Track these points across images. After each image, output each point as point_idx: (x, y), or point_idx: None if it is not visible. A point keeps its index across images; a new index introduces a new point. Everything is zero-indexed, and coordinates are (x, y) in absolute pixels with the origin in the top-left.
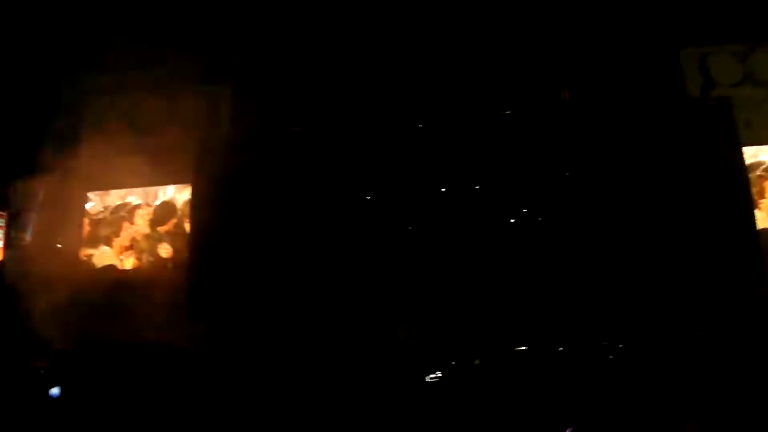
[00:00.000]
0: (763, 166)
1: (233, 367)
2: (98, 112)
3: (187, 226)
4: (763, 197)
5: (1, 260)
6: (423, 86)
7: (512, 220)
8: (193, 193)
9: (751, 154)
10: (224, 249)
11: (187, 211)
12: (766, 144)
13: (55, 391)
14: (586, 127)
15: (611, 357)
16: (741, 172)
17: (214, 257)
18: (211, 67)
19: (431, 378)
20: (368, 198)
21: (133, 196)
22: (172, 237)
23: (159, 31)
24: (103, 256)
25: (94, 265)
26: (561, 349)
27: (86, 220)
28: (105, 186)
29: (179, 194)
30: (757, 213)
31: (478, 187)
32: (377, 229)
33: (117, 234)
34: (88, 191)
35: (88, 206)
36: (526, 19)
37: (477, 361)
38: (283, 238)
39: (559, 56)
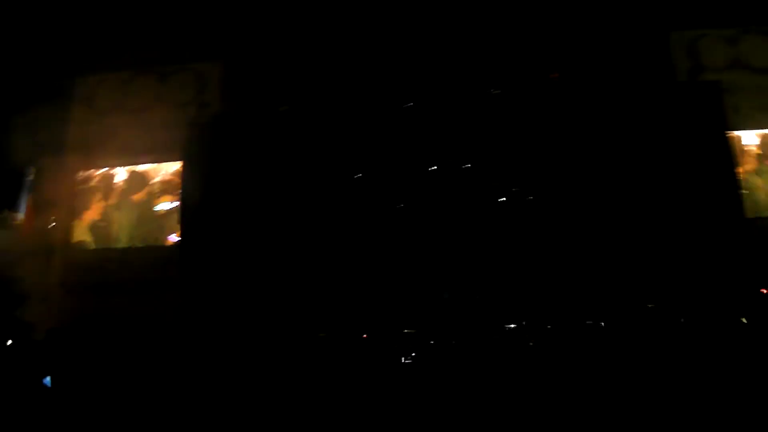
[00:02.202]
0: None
1: (223, 346)
2: (88, 91)
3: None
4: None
5: None
6: (412, 65)
7: (502, 199)
8: (184, 172)
9: (739, 138)
10: (215, 227)
11: (178, 189)
12: (753, 129)
13: (47, 379)
14: (575, 108)
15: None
16: (728, 157)
17: (205, 236)
18: (201, 44)
19: (407, 360)
20: (358, 176)
21: (125, 175)
22: (164, 216)
23: (148, 8)
24: (95, 233)
25: (86, 243)
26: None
27: (78, 198)
28: (96, 165)
29: (171, 172)
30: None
31: (468, 165)
32: (366, 208)
33: (109, 212)
34: (80, 170)
35: (79, 184)
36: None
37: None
38: (273, 217)
39: (549, 37)
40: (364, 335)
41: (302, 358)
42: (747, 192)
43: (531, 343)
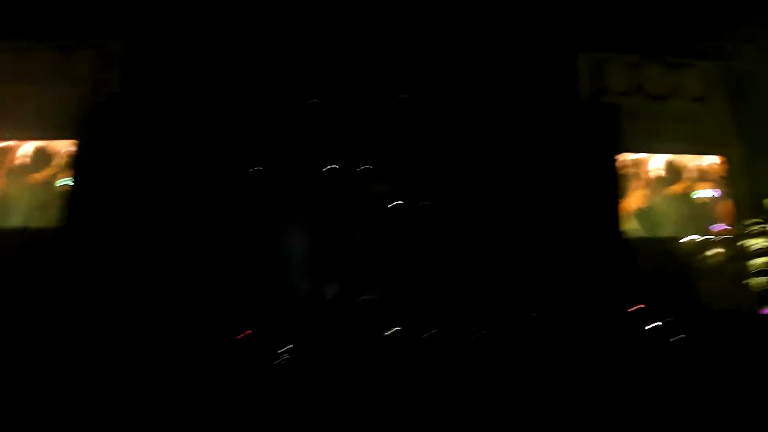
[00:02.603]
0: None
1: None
2: None
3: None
4: (640, 202)
5: None
6: (321, 62)
7: (400, 202)
8: (77, 152)
9: (632, 160)
10: (106, 210)
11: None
12: (648, 153)
13: None
14: (477, 118)
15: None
16: (618, 177)
17: (95, 219)
18: (106, 19)
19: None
20: (258, 168)
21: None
22: (53, 194)
23: None
24: None
25: None
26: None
27: None
28: None
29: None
30: (632, 216)
31: (370, 166)
32: (264, 200)
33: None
34: None
35: None
36: (431, 9)
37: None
38: (167, 203)
39: (459, 48)
40: (245, 332)
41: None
42: (635, 213)
43: (413, 349)
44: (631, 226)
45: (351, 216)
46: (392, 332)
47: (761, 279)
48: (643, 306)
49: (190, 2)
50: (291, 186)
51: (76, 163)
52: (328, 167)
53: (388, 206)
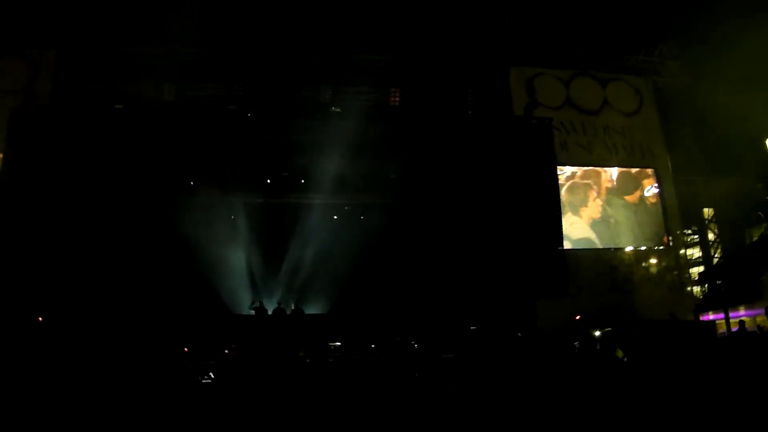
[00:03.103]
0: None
1: None
2: None
3: None
4: (576, 213)
5: None
6: (256, 73)
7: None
8: (4, 163)
9: (567, 172)
10: (33, 223)
11: None
12: (581, 166)
13: None
14: (413, 131)
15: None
16: (554, 188)
17: (23, 232)
18: (39, 29)
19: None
20: (192, 183)
21: None
22: None
23: None
24: None
25: None
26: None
27: None
28: None
29: None
30: (572, 226)
31: (303, 181)
32: (199, 213)
33: None
34: None
35: None
36: (365, 23)
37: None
38: (96, 216)
39: (393, 59)
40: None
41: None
42: (571, 224)
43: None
44: (567, 237)
45: (287, 229)
46: (334, 346)
47: (699, 287)
48: (578, 317)
49: (124, 15)
50: (227, 199)
51: (3, 175)
52: (266, 180)
53: (324, 219)
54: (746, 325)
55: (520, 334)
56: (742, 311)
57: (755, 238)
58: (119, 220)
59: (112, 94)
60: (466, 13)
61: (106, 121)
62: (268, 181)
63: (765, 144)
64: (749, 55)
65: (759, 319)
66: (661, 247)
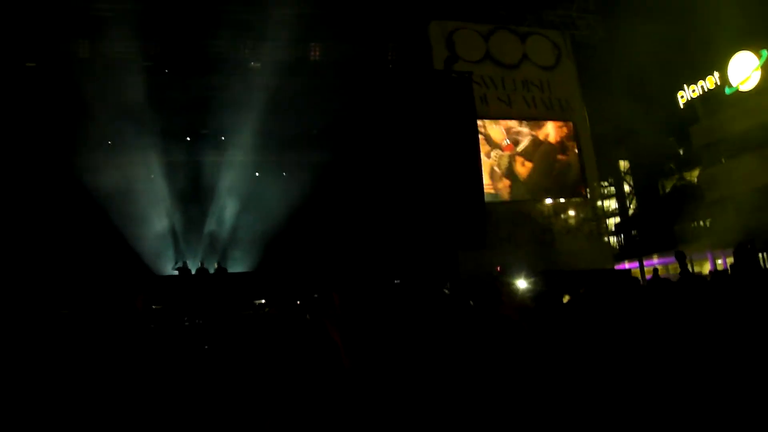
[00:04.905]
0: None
1: None
2: None
3: None
4: (499, 169)
5: None
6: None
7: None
8: None
9: (487, 125)
10: None
11: None
12: (498, 118)
13: None
14: (335, 86)
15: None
16: (474, 142)
17: None
18: None
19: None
20: (109, 143)
21: None
22: None
23: None
24: None
25: None
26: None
27: None
28: None
29: None
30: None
31: (223, 138)
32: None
33: None
34: None
35: None
36: None
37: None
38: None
39: (313, 12)
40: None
41: None
42: (492, 177)
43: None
44: (488, 190)
45: (209, 188)
46: (260, 303)
47: (615, 238)
48: (499, 269)
49: None
50: (146, 158)
51: None
52: (186, 138)
53: (246, 177)
54: (659, 273)
55: (446, 290)
56: (655, 259)
57: (668, 190)
58: (32, 181)
59: (23, 51)
60: None
61: (18, 78)
62: (188, 138)
63: (677, 98)
64: (665, 11)
65: (671, 267)
66: (578, 200)
